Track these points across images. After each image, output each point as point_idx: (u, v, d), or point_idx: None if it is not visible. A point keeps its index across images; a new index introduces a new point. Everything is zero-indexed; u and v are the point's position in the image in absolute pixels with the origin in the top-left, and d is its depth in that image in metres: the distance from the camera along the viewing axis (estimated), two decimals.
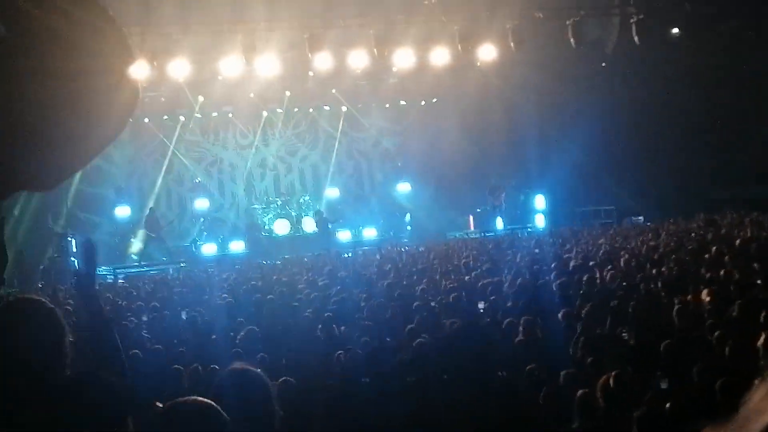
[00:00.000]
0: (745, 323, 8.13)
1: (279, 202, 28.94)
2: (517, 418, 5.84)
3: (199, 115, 29.88)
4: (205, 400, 3.10)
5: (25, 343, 3.24)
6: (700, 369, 6.39)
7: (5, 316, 3.37)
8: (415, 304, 11.67)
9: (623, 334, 8.66)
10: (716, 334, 7.79)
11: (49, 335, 3.32)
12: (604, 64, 27.82)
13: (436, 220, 29.72)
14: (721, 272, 11.43)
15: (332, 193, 30.74)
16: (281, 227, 27.92)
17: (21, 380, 3.16)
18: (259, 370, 3.88)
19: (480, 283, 12.99)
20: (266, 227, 28.21)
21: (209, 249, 26.38)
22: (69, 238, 24.07)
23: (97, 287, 3.99)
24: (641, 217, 25.47)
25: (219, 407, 3.06)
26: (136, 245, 27.42)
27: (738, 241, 14.49)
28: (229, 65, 25.73)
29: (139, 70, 24.66)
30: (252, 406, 3.59)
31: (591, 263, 14.25)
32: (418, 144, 31.57)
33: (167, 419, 3.05)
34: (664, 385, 5.73)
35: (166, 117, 29.67)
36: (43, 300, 3.48)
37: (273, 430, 3.65)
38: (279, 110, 30.77)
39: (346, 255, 22.38)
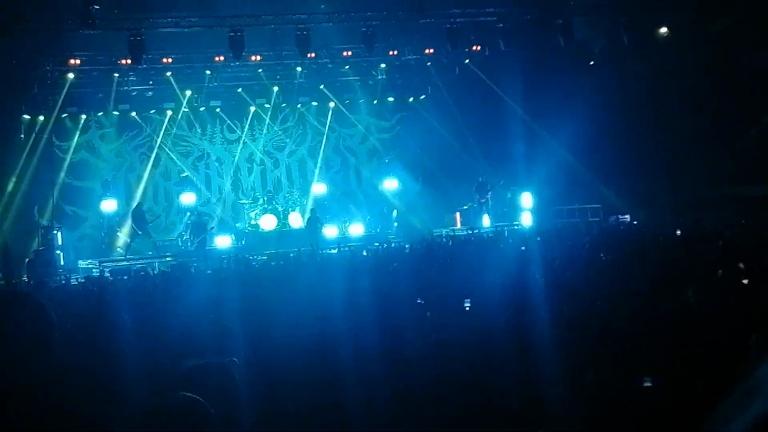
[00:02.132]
0: (729, 321, 8.17)
1: (266, 198, 28.90)
2: (499, 415, 5.86)
3: (186, 110, 29.83)
4: (192, 395, 3.10)
5: (12, 336, 3.23)
6: (684, 367, 6.42)
7: None
8: (400, 300, 11.65)
9: (608, 333, 8.69)
10: (701, 331, 7.82)
11: (37, 329, 3.31)
12: (592, 63, 27.88)
13: (422, 216, 29.73)
14: (707, 271, 11.46)
15: (319, 188, 30.70)
16: (268, 222, 27.88)
17: (7, 373, 3.15)
18: (229, 363, 3.88)
19: (466, 281, 12.99)
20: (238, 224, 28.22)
21: (196, 243, 26.26)
22: (54, 231, 23.98)
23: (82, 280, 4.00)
24: (627, 216, 25.51)
25: (206, 402, 3.06)
26: (122, 239, 27.35)
27: (722, 242, 14.54)
28: (218, 60, 25.78)
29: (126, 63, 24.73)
30: (222, 402, 3.58)
31: (576, 262, 14.27)
32: (405, 141, 31.66)
33: (153, 415, 3.04)
34: (647, 383, 5.75)
35: (153, 111, 29.60)
36: (32, 293, 3.48)
37: (244, 427, 3.66)
38: (267, 105, 30.74)
39: (331, 251, 22.36)
